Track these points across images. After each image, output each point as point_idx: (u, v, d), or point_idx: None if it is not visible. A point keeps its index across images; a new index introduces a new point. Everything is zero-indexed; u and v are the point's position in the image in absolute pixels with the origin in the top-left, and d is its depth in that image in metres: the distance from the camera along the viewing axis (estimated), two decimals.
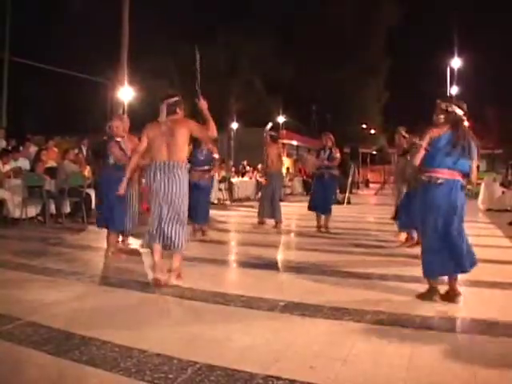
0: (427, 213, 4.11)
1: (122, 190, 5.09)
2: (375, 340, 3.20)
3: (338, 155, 8.67)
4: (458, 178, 4.10)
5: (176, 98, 4.63)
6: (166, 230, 4.47)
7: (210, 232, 8.07)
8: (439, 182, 4.05)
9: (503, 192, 13.82)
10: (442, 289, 4.16)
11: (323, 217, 8.75)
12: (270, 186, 9.10)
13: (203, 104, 4.57)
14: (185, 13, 26.24)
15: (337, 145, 8.82)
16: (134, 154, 4.86)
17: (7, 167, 9.22)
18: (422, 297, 4.14)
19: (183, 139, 4.52)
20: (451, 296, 4.08)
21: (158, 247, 4.54)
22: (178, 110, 4.61)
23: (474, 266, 4.17)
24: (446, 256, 4.05)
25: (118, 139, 5.85)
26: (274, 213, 8.96)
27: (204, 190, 7.76)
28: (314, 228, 8.77)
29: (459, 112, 4.16)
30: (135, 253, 6.21)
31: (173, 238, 4.47)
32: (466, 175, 4.17)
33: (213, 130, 4.55)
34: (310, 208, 8.91)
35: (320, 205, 8.69)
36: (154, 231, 4.50)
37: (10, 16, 18.50)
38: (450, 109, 4.16)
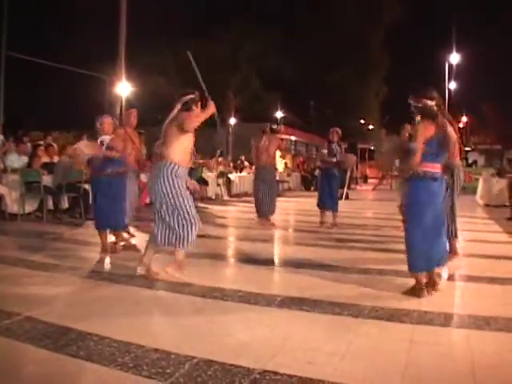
0: (419, 208, 4.03)
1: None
2: (373, 335, 3.20)
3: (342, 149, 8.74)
4: (439, 170, 4.08)
5: (191, 96, 4.56)
6: (166, 227, 4.51)
7: (207, 227, 8.05)
8: (435, 176, 4.03)
9: (497, 181, 13.76)
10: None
11: (327, 213, 8.74)
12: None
13: (212, 107, 4.58)
14: (183, 8, 26.16)
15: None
16: None
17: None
18: (410, 293, 4.06)
19: (171, 135, 4.45)
20: (430, 285, 4.09)
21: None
22: (193, 107, 4.55)
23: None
24: (431, 250, 4.05)
25: (106, 136, 5.73)
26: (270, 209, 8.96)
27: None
28: (314, 223, 8.76)
29: (430, 103, 4.04)
30: (133, 248, 6.19)
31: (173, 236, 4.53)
32: (446, 167, 4.15)
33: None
34: (318, 205, 8.84)
35: (328, 202, 8.67)
36: (157, 232, 4.55)
37: (7, 11, 18.41)
38: (420, 104, 4.07)
